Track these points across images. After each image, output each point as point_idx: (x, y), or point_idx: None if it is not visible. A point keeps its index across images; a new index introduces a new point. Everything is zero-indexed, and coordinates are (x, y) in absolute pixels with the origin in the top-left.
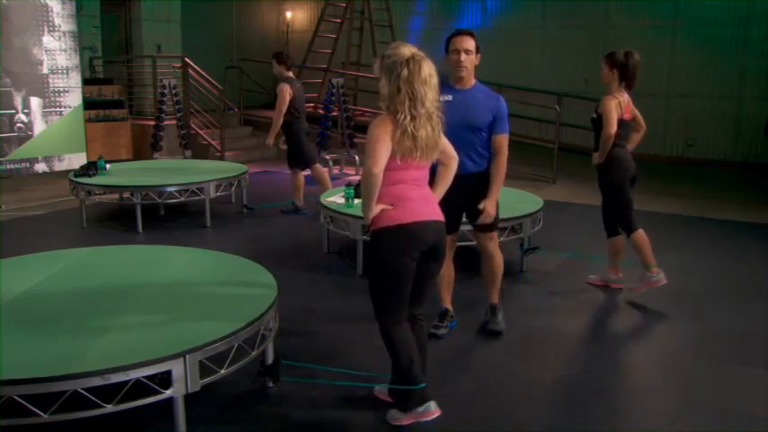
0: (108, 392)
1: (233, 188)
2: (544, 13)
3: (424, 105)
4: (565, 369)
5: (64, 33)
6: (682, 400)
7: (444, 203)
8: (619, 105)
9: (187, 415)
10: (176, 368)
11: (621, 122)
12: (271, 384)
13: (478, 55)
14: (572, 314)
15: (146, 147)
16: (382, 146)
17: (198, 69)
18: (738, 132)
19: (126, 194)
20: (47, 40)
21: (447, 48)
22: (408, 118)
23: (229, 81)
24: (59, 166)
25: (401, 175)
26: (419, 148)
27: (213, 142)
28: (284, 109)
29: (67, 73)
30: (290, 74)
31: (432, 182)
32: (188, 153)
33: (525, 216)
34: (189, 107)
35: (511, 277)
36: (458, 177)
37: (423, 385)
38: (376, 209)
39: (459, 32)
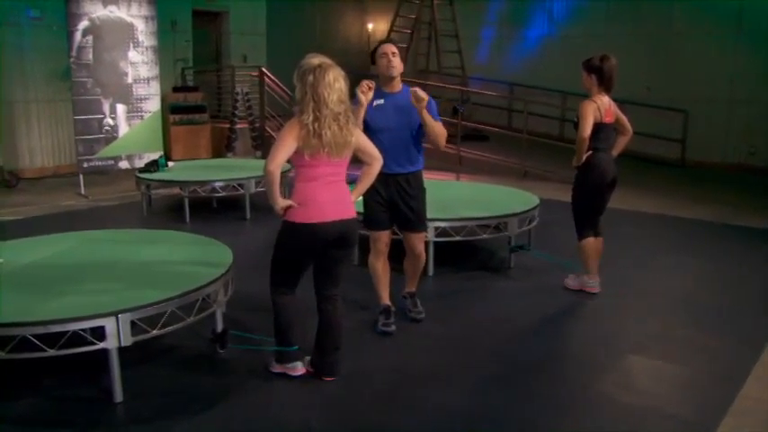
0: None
1: None
2: (607, 21)
3: (327, 107)
4: (500, 360)
5: (146, 48)
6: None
7: (379, 202)
8: (597, 109)
9: (135, 368)
10: (109, 325)
11: (601, 126)
12: (220, 350)
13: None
14: (535, 311)
15: (223, 147)
16: (282, 148)
17: (272, 78)
18: None
19: (177, 189)
20: (131, 54)
21: (373, 59)
22: (312, 118)
23: None
24: (140, 164)
25: (313, 172)
26: (326, 145)
27: None
28: None
29: (148, 82)
30: None
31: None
32: (258, 153)
33: (511, 216)
34: (264, 112)
35: (498, 273)
36: (394, 177)
37: (294, 348)
38: (284, 202)
39: (383, 42)
